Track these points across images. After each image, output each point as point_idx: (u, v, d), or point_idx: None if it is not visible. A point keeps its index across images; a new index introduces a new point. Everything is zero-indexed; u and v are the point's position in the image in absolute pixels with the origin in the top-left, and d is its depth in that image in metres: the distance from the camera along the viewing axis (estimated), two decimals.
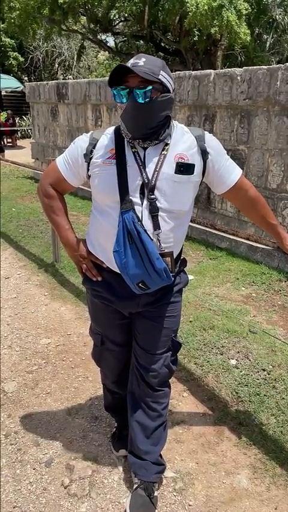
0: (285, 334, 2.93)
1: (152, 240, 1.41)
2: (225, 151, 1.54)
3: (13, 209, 5.96)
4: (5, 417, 2.15)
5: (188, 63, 12.75)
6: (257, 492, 1.74)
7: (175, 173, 1.41)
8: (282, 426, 2.04)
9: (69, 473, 1.83)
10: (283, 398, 2.21)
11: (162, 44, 14.20)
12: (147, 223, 1.42)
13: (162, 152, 1.41)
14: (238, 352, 2.63)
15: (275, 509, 1.69)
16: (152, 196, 1.41)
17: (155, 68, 1.34)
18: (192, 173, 1.44)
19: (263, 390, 2.28)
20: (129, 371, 1.79)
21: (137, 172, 1.41)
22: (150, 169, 1.41)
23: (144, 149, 1.42)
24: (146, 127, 1.37)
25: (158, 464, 1.73)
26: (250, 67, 4.17)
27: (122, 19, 13.88)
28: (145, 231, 1.40)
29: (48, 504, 1.70)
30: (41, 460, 1.90)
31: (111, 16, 13.12)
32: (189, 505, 1.71)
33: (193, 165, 1.44)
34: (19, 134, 14.89)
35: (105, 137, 1.47)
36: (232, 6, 10.56)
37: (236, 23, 10.60)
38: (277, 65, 3.88)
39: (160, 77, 1.34)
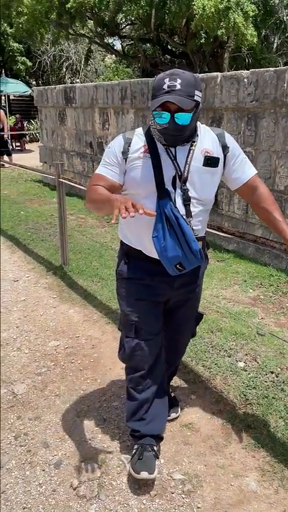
0: None
1: (188, 224, 1.58)
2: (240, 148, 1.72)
3: (22, 212, 6.01)
4: (15, 419, 2.17)
5: (195, 65, 12.75)
6: (265, 495, 1.74)
7: (203, 165, 1.60)
8: None
9: (78, 475, 1.84)
10: None
11: (169, 47, 14.24)
12: (181, 210, 1.59)
13: (191, 148, 1.59)
14: (246, 354, 2.63)
15: (284, 511, 1.69)
16: (185, 187, 1.59)
17: (191, 89, 1.48)
18: (217, 166, 1.63)
19: (271, 392, 2.27)
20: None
21: (170, 165, 1.58)
22: (181, 162, 1.58)
23: (175, 146, 1.59)
24: (182, 140, 1.56)
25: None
26: (257, 69, 4.17)
27: (129, 22, 13.95)
28: (182, 216, 1.56)
29: (58, 505, 1.72)
30: (50, 462, 1.92)
31: (118, 20, 13.19)
32: (198, 507, 1.71)
33: (218, 158, 1.63)
34: (27, 138, 14.99)
35: (137, 137, 1.64)
36: (239, 8, 10.56)
37: (242, 24, 10.60)
38: (284, 67, 3.87)
39: (196, 98, 1.50)
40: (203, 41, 11.48)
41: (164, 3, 11.57)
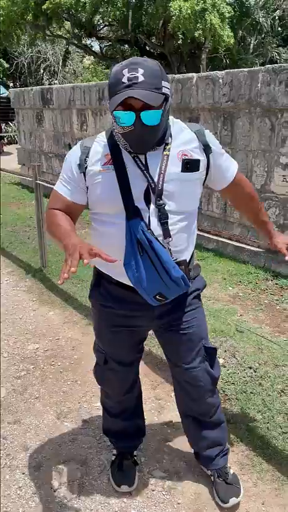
0: (272, 332, 2.96)
1: (165, 248, 1.31)
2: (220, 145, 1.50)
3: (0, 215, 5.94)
4: None
5: (173, 66, 12.84)
6: (244, 488, 1.76)
7: (182, 171, 1.32)
8: (268, 423, 2.07)
9: (59, 477, 1.84)
10: (269, 395, 2.24)
11: (147, 48, 14.28)
12: (157, 230, 1.32)
13: (164, 153, 1.31)
14: (225, 351, 2.66)
15: (262, 504, 1.71)
16: (160, 202, 1.31)
17: (157, 80, 1.20)
18: (198, 170, 1.36)
19: (249, 387, 2.31)
20: (174, 390, 1.77)
21: (139, 176, 1.30)
22: (154, 171, 1.30)
23: (144, 153, 1.32)
24: (152, 143, 1.29)
25: (221, 451, 1.76)
26: (231, 70, 4.23)
27: (106, 24, 13.94)
28: (156, 238, 1.30)
29: (38, 508, 1.71)
30: (30, 465, 1.90)
31: (96, 21, 13.16)
32: (178, 503, 1.72)
33: (198, 160, 1.36)
34: (5, 140, 14.84)
35: (98, 144, 1.36)
36: (215, 9, 10.68)
37: (219, 26, 10.72)
38: (257, 68, 3.94)
39: (163, 89, 1.22)
40: (180, 42, 11.57)
41: (141, 4, 11.62)
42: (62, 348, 2.80)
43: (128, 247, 1.31)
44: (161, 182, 1.31)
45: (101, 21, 13.54)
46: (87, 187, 1.37)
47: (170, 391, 2.35)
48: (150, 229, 1.31)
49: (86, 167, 1.34)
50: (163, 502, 1.73)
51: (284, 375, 2.42)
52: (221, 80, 4.22)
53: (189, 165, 1.34)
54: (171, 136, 1.34)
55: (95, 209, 1.42)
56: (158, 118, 1.22)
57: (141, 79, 1.18)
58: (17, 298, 3.52)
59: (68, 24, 13.41)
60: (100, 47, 15.73)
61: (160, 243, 1.31)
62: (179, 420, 2.13)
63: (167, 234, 1.33)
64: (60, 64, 16.89)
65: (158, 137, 1.30)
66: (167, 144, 1.33)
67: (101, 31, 14.60)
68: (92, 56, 16.10)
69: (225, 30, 11.00)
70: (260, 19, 14.07)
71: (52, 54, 17.39)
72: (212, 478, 1.78)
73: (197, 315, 1.56)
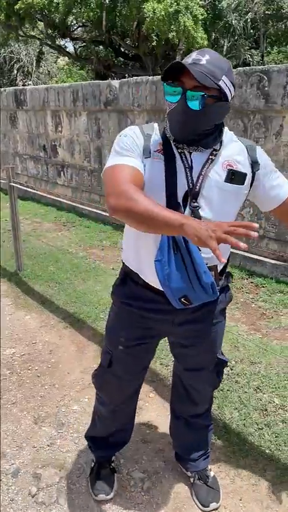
0: (248, 330, 3.01)
1: (200, 250, 1.25)
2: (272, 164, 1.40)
3: None
4: None
5: (147, 68, 12.88)
6: (222, 485, 1.79)
7: (225, 181, 1.27)
8: (244, 419, 2.11)
9: (37, 482, 1.82)
10: (245, 392, 2.28)
11: (122, 49, 14.30)
12: None
13: (210, 157, 1.27)
14: None
15: (240, 500, 1.74)
16: (195, 204, 1.25)
17: (218, 71, 1.16)
18: (243, 184, 1.30)
19: (226, 385, 2.34)
20: (172, 387, 1.77)
21: (183, 174, 1.26)
22: (196, 173, 1.26)
23: (190, 153, 1.27)
24: (192, 133, 1.23)
25: (203, 454, 1.78)
26: None
27: (80, 25, 13.89)
28: None
29: None
30: (8, 471, 1.88)
31: (69, 22, 13.09)
32: (157, 503, 1.73)
33: (245, 174, 1.30)
34: None
35: (155, 135, 1.31)
36: (188, 11, 10.79)
37: (192, 28, 10.83)
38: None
39: (220, 83, 1.17)
40: (154, 43, 11.62)
41: (114, 6, 11.62)
42: (39, 352, 2.78)
43: (163, 243, 1.25)
44: (199, 184, 1.26)
45: (75, 22, 13.49)
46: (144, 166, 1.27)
47: (148, 391, 2.36)
48: None
49: (148, 151, 1.27)
50: (142, 503, 1.74)
51: (259, 372, 2.46)
52: None
53: (234, 176, 1.28)
54: (221, 144, 1.29)
55: None
56: (202, 103, 1.16)
57: (203, 62, 1.16)
58: None
59: (41, 25, 13.28)
60: (74, 48, 15.65)
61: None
62: (157, 419, 2.15)
63: None
64: (34, 64, 16.71)
65: (199, 132, 1.23)
66: (215, 150, 1.28)
67: (75, 32, 14.53)
68: (67, 57, 15.99)
69: (199, 32, 11.13)
70: (233, 21, 14.29)
71: (26, 54, 17.18)
72: (191, 479, 1.79)
73: (218, 328, 1.52)
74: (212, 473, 1.79)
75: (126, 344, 1.51)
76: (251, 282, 3.76)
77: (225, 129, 1.33)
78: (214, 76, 1.15)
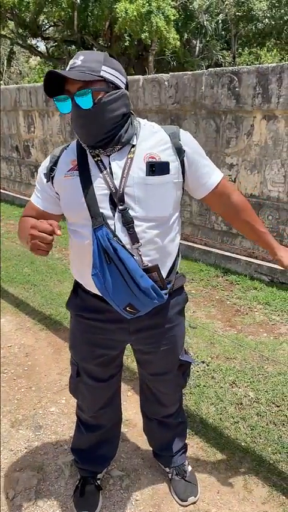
0: (223, 327, 3.07)
1: (133, 255, 1.24)
2: (201, 149, 1.39)
3: None
4: None
5: None
6: (200, 479, 1.82)
7: (147, 175, 1.25)
8: (221, 414, 2.15)
9: (15, 485, 1.80)
10: (221, 387, 2.32)
11: (95, 49, 14.24)
12: (123, 236, 1.25)
13: (129, 156, 1.26)
14: None
15: (218, 492, 1.78)
16: (122, 206, 1.24)
17: (95, 64, 1.18)
18: (168, 173, 1.27)
19: (202, 381, 2.38)
20: (139, 391, 1.76)
21: (102, 181, 1.25)
22: (117, 176, 1.25)
23: (108, 156, 1.27)
24: (100, 132, 1.22)
25: (180, 449, 1.80)
26: (176, 73, 4.32)
27: (52, 24, 13.76)
28: (123, 246, 1.23)
29: None
30: None
31: (40, 21, 12.95)
32: (136, 500, 1.75)
33: (167, 163, 1.27)
34: None
35: (67, 152, 1.34)
36: (160, 12, 10.85)
37: (165, 28, 10.91)
38: (201, 71, 4.05)
39: (102, 73, 1.18)
40: (127, 44, 11.65)
41: (86, 5, 11.57)
42: (15, 355, 2.75)
43: (94, 256, 1.24)
44: (122, 186, 1.24)
45: (46, 21, 13.36)
46: (58, 196, 1.35)
47: (125, 390, 2.37)
48: (116, 236, 1.24)
49: (53, 176, 1.33)
50: (121, 500, 1.75)
51: (235, 367, 2.51)
52: (166, 83, 4.30)
53: (155, 168, 1.25)
54: (136, 137, 1.28)
55: (68, 219, 1.37)
56: (92, 99, 1.17)
57: (78, 63, 1.18)
58: None
59: (11, 24, 13.09)
60: (46, 48, 15.49)
61: (127, 250, 1.24)
62: (135, 417, 2.17)
63: (134, 239, 1.25)
64: (5, 64, 16.45)
65: (108, 128, 1.22)
66: (132, 146, 1.27)
67: (47, 31, 14.39)
68: (38, 57, 15.81)
69: (171, 32, 11.22)
70: (204, 22, 14.46)
71: None
72: (169, 475, 1.81)
73: (176, 331, 1.51)
74: (189, 468, 1.81)
75: (88, 359, 1.51)
76: (226, 280, 3.82)
77: (143, 121, 1.33)
78: (92, 70, 1.17)
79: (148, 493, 1.78)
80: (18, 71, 18.19)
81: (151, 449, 1.90)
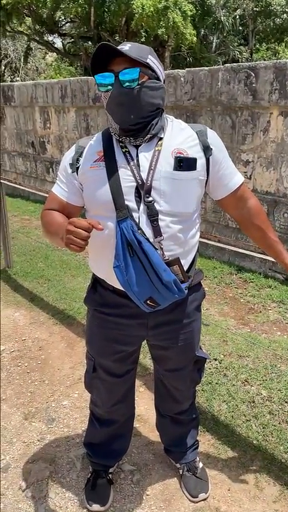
0: (236, 324, 3.05)
1: (156, 249, 1.24)
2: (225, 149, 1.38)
3: None
4: None
5: None
6: (211, 476, 1.82)
7: (174, 170, 1.25)
8: (233, 411, 2.14)
9: (27, 477, 1.83)
10: (233, 385, 2.32)
11: None
12: (147, 230, 1.25)
13: (156, 148, 1.26)
14: None
15: (228, 490, 1.77)
16: (149, 199, 1.24)
17: (142, 52, 1.21)
18: (194, 169, 1.27)
19: (214, 378, 2.37)
20: (154, 388, 1.77)
21: (129, 173, 1.25)
22: (144, 168, 1.25)
23: (136, 147, 1.27)
24: (137, 115, 1.22)
25: (192, 445, 1.80)
26: (192, 68, 4.29)
27: (68, 20, 13.80)
28: (147, 239, 1.23)
29: (6, 509, 1.70)
30: None
31: (57, 17, 13.00)
32: (147, 495, 1.76)
33: (194, 159, 1.27)
34: None
35: (92, 142, 1.33)
36: (177, 7, 10.79)
37: (181, 24, 10.84)
38: (217, 67, 4.02)
39: (148, 61, 1.21)
40: (143, 39, 11.60)
41: (103, 1, 11.57)
42: (29, 348, 2.78)
43: (118, 248, 1.24)
44: (150, 179, 1.24)
45: (63, 17, 13.40)
46: (82, 187, 1.34)
47: (137, 386, 2.36)
48: (140, 229, 1.24)
49: (78, 167, 1.32)
50: (132, 495, 1.76)
51: (247, 365, 2.50)
52: (182, 79, 4.27)
53: (183, 163, 1.25)
54: (163, 131, 1.28)
55: (90, 211, 1.36)
56: (136, 78, 1.18)
57: (126, 48, 1.20)
58: None
59: (29, 20, 13.17)
60: (63, 44, 15.55)
61: (151, 244, 1.23)
62: (146, 413, 2.18)
63: (157, 232, 1.25)
64: (22, 60, 16.56)
65: (144, 114, 1.22)
66: (160, 139, 1.27)
67: (63, 28, 14.44)
68: (55, 53, 15.88)
69: (188, 28, 11.14)
70: (222, 18, 14.31)
71: (13, 50, 17.02)
72: (180, 471, 1.82)
73: (194, 327, 1.51)
74: (200, 465, 1.81)
75: (105, 355, 1.51)
76: (240, 278, 3.80)
77: (171, 117, 1.34)
78: (140, 55, 1.19)
79: (159, 488, 1.79)
80: (34, 68, 18.29)
81: (162, 444, 1.90)
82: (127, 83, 1.18)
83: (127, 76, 1.18)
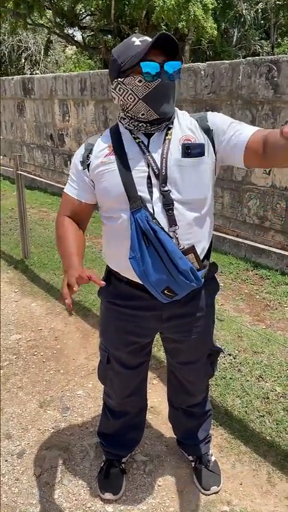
0: (251, 321, 3.03)
1: (172, 238, 1.24)
2: (232, 119, 1.32)
3: None
4: None
5: None
6: (223, 470, 1.82)
7: (182, 157, 1.25)
8: (246, 407, 2.13)
9: (41, 463, 1.87)
10: (247, 380, 2.31)
11: None
12: (162, 219, 1.25)
13: (166, 138, 1.27)
14: None
15: (240, 484, 1.77)
16: (165, 188, 1.24)
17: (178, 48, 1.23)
18: (203, 155, 1.27)
19: (229, 373, 2.37)
20: (167, 381, 1.79)
21: (142, 163, 1.26)
22: (156, 156, 1.26)
23: (148, 137, 1.28)
24: (167, 106, 1.25)
25: (205, 438, 1.80)
26: (213, 62, 4.25)
27: (89, 13, 13.78)
28: (162, 228, 1.23)
29: (21, 493, 1.73)
30: (13, 452, 1.92)
31: (78, 10, 13.00)
32: (159, 485, 1.77)
33: (202, 145, 1.27)
34: None
35: (101, 139, 1.35)
36: (198, 1, 10.66)
37: (202, 17, 10.71)
38: (239, 60, 3.97)
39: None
40: None
41: None
42: (45, 338, 2.82)
43: (133, 239, 1.24)
44: (164, 167, 1.25)
45: (83, 10, 13.39)
46: (93, 184, 1.34)
47: (151, 378, 2.39)
48: (155, 219, 1.24)
49: (89, 164, 1.33)
50: (144, 485, 1.77)
51: (262, 361, 2.48)
52: (202, 72, 4.24)
53: (190, 150, 1.25)
54: (172, 122, 1.30)
55: (103, 206, 1.37)
56: (179, 67, 1.21)
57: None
58: None
59: (49, 13, 13.20)
60: (83, 37, 15.55)
61: (166, 232, 1.24)
62: (160, 405, 2.19)
63: (172, 221, 1.25)
64: (42, 53, 16.62)
65: (171, 105, 1.26)
66: (169, 129, 1.29)
67: (84, 21, 14.43)
68: (75, 46, 15.89)
69: (209, 21, 11.00)
70: (243, 11, 14.09)
71: (34, 43, 17.09)
72: (193, 463, 1.83)
73: (208, 320, 1.51)
74: (213, 458, 1.82)
75: (119, 346, 1.52)
76: (256, 274, 3.77)
77: (176, 109, 1.34)
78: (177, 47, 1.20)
79: (171, 479, 1.80)
80: (54, 61, 18.35)
81: (175, 436, 1.91)
82: (172, 75, 1.20)
83: (172, 67, 1.19)
